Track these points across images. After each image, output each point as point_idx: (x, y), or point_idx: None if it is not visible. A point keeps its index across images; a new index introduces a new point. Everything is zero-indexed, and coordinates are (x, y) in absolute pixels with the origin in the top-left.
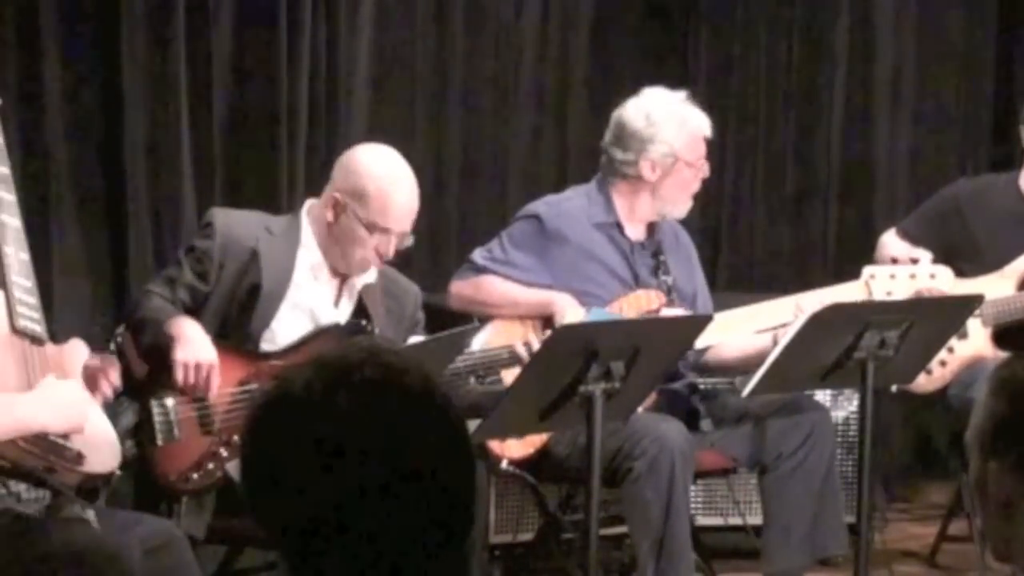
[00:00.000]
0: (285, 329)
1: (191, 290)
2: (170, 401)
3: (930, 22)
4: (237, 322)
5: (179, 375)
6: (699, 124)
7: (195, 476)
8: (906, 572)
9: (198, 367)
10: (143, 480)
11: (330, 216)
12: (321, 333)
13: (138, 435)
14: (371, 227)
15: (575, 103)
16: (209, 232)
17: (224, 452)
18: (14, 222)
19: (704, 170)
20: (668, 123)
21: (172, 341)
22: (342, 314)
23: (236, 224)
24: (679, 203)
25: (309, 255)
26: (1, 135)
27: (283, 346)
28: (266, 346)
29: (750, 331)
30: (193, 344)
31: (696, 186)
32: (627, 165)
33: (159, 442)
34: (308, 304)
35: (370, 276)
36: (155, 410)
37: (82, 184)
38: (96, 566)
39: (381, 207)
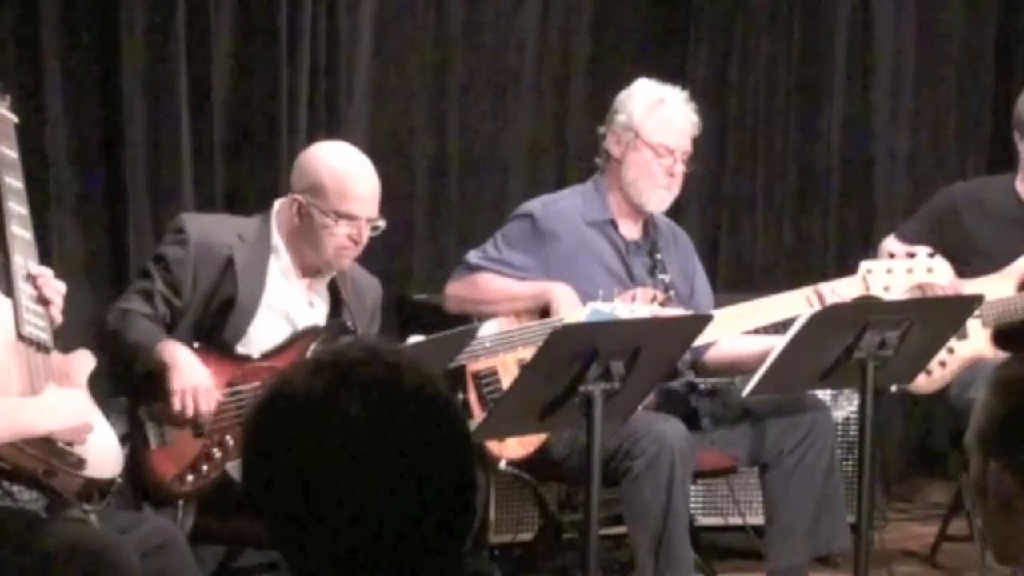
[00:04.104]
0: (261, 333)
1: (167, 302)
2: (160, 405)
3: (930, 22)
4: (211, 331)
5: (177, 405)
6: (676, 113)
7: (190, 478)
8: (906, 572)
9: (195, 392)
10: (139, 487)
11: (296, 220)
12: (304, 335)
13: (130, 441)
14: (336, 216)
15: (575, 102)
16: (182, 239)
17: (217, 453)
18: (25, 234)
19: (674, 167)
20: (639, 99)
21: (166, 369)
22: (318, 314)
23: (209, 230)
24: (645, 190)
25: (279, 260)
26: (16, 151)
27: (265, 349)
28: (242, 350)
29: (747, 328)
30: (187, 372)
31: (663, 178)
32: (603, 140)
33: (152, 446)
34: (282, 306)
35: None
36: (145, 417)
37: (82, 184)
38: (95, 566)
39: (340, 195)
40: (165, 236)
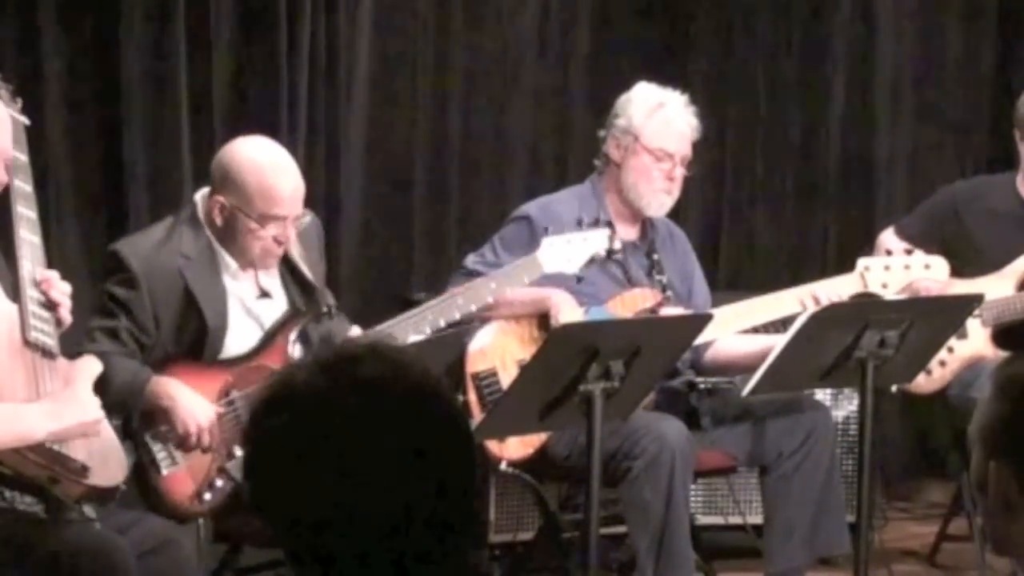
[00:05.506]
0: (236, 341)
1: (133, 336)
2: (164, 428)
3: (930, 22)
4: (188, 356)
5: (187, 443)
6: (676, 118)
7: (207, 496)
8: (906, 572)
9: (200, 430)
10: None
11: (219, 220)
12: (281, 325)
13: (141, 471)
14: (263, 220)
15: (575, 102)
16: (128, 279)
17: (230, 466)
18: (34, 239)
19: (674, 171)
20: (639, 103)
21: (166, 411)
22: (277, 299)
23: (151, 260)
24: (645, 194)
25: (228, 266)
26: (26, 154)
27: (247, 350)
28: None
29: (745, 327)
30: (191, 410)
31: (662, 183)
32: (603, 144)
33: (164, 472)
34: (242, 305)
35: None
36: (152, 442)
37: (82, 184)
38: (94, 566)
39: (265, 198)
40: (110, 273)
